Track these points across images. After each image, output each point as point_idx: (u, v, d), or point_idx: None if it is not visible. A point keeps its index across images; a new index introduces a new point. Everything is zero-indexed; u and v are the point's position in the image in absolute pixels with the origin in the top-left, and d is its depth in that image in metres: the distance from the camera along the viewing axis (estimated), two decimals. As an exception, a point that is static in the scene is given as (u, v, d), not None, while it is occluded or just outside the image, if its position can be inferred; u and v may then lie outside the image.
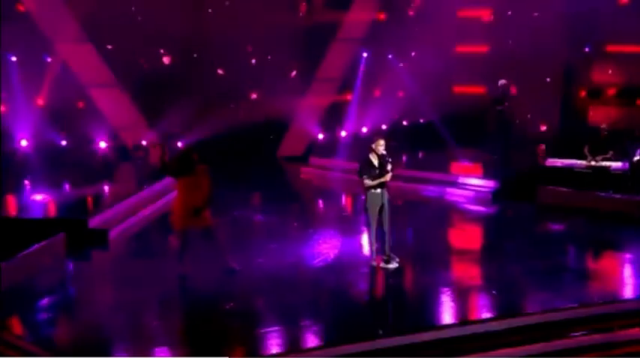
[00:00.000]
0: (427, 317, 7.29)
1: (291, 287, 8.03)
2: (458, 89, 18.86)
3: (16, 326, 7.09)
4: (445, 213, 11.97)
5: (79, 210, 10.83)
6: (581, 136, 13.73)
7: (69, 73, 15.15)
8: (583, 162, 12.49)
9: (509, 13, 17.69)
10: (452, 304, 7.64)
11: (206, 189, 7.98)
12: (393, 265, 8.76)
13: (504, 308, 7.46)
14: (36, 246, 8.52)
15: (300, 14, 17.85)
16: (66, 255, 9.13)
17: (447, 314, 7.39)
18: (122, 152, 14.78)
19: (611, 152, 12.50)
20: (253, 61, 16.69)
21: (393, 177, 8.77)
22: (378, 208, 8.66)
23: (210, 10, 16.33)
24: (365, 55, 17.78)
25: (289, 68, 17.26)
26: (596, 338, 7.14)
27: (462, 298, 7.79)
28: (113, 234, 9.87)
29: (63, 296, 7.99)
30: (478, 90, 18.32)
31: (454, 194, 12.83)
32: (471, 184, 12.93)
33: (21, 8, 15.06)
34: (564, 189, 11.97)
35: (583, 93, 17.19)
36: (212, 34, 16.35)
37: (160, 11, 14.94)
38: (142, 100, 15.25)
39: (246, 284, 8.05)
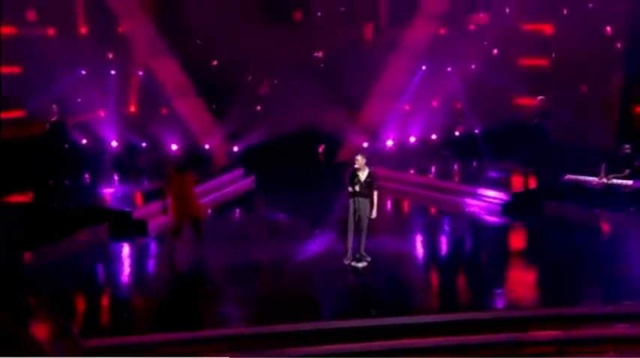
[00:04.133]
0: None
1: (265, 275, 9.80)
2: (520, 101, 19.33)
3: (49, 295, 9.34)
4: (452, 222, 12.99)
5: (133, 203, 13.21)
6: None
7: (155, 84, 17.72)
8: (596, 179, 12.91)
9: (569, 28, 17.94)
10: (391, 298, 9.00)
11: (193, 188, 10.06)
12: (363, 264, 10.15)
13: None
14: (81, 231, 10.92)
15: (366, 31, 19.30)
16: (109, 239, 11.49)
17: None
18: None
19: (627, 171, 12.81)
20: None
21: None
22: (353, 214, 10.11)
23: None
24: (424, 67, 18.81)
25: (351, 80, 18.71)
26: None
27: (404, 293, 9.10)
28: (152, 224, 12.04)
29: (86, 271, 10.26)
30: (542, 102, 18.81)
31: (471, 205, 13.76)
32: (487, 196, 13.75)
33: (120, 30, 17.90)
34: (569, 205, 12.54)
35: (639, 109, 17.11)
36: (282, 49, 18.32)
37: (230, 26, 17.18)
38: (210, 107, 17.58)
39: (226, 271, 9.96)
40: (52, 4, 16.82)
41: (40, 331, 8.38)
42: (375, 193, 10.04)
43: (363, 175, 10.03)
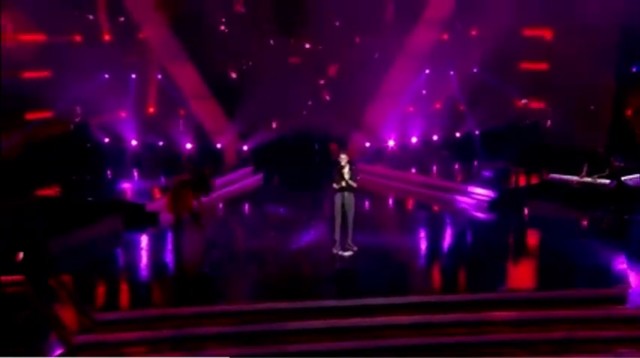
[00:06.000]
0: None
1: (264, 261, 10.98)
2: (519, 103, 20.11)
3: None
4: (441, 217, 13.98)
5: (148, 197, 14.46)
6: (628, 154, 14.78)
7: (174, 87, 18.96)
8: (576, 178, 13.74)
9: (565, 33, 18.67)
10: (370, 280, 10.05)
11: (189, 187, 11.36)
12: (349, 253, 11.16)
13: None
14: (98, 222, 12.17)
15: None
16: (124, 228, 12.73)
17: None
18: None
19: (607, 170, 13.61)
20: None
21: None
22: (339, 207, 11.11)
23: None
24: (427, 71, 19.73)
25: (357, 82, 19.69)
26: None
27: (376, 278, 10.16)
28: (164, 216, 13.20)
29: (100, 256, 11.54)
30: (539, 105, 19.67)
31: (462, 202, 14.71)
32: (477, 194, 14.67)
33: (140, 36, 19.17)
34: (550, 203, 13.40)
35: (629, 112, 17.80)
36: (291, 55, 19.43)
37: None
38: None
39: (229, 257, 11.16)
40: (79, 13, 18.18)
41: (59, 306, 9.59)
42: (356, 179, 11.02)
43: (346, 171, 11.02)
